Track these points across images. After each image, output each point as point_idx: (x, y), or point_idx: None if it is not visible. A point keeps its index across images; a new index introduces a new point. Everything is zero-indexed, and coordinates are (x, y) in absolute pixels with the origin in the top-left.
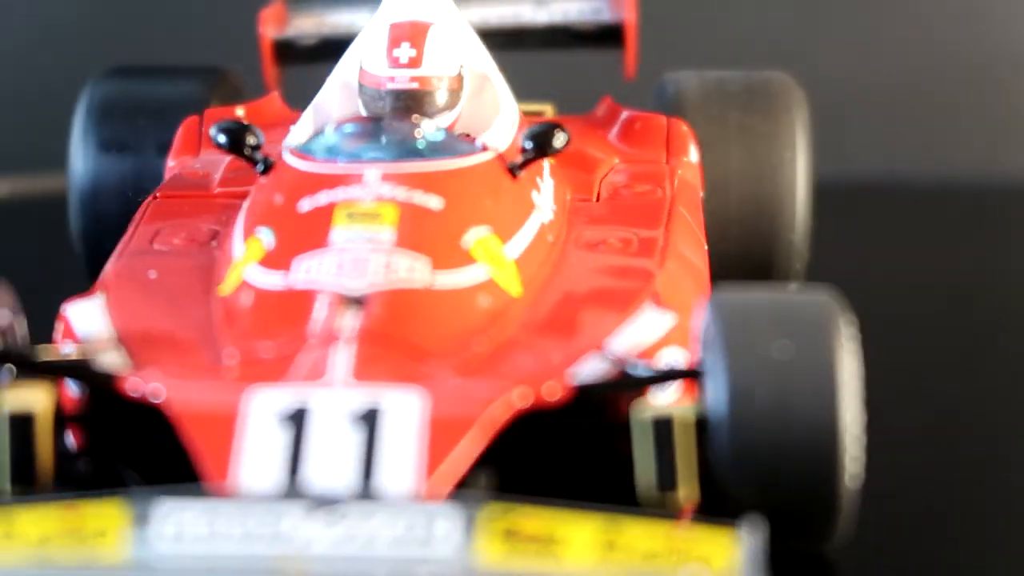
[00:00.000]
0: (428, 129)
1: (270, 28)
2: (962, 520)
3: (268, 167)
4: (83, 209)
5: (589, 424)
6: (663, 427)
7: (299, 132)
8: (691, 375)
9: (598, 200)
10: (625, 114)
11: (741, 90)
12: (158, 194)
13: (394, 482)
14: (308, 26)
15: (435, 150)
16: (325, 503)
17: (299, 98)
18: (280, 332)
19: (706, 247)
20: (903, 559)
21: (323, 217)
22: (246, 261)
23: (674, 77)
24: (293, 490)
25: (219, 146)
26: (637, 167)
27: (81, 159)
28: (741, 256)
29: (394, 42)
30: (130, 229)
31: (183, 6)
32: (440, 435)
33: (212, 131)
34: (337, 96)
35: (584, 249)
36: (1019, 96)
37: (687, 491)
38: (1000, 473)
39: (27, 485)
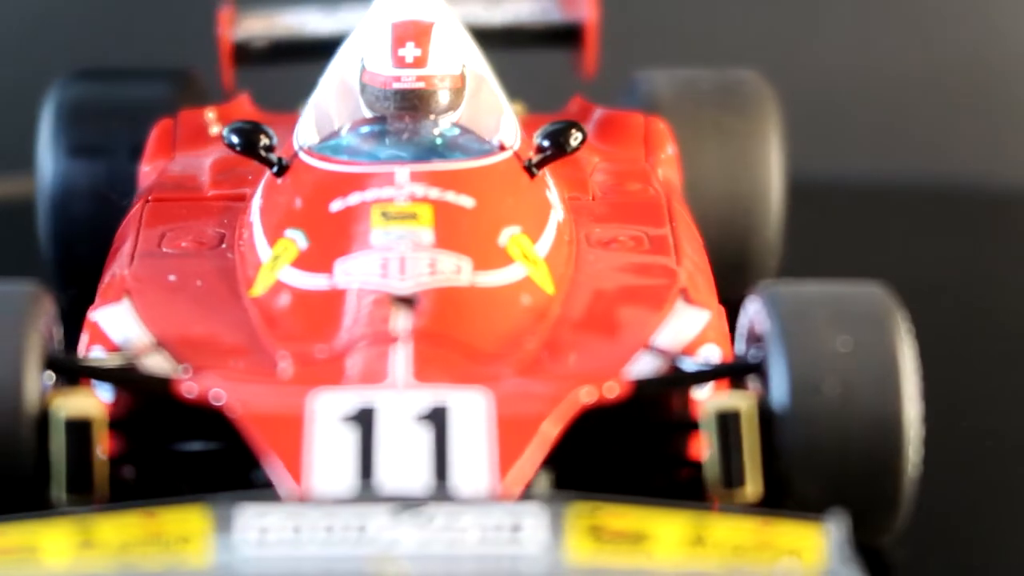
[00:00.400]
0: (447, 128)
1: (227, 30)
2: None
3: (283, 168)
4: (53, 213)
5: (645, 422)
6: (729, 422)
7: (305, 133)
8: (750, 369)
9: (593, 199)
10: (599, 112)
11: (714, 88)
12: (150, 197)
13: (468, 482)
14: (259, 28)
15: (457, 149)
16: (410, 504)
17: (264, 99)
18: (328, 333)
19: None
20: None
21: (359, 217)
22: (278, 263)
23: (645, 76)
24: (368, 492)
25: (231, 146)
26: (619, 165)
27: (50, 162)
28: (716, 253)
29: (399, 41)
30: (129, 232)
31: (134, 7)
32: (510, 435)
33: (225, 132)
34: (337, 96)
35: (598, 247)
36: (1002, 94)
37: (753, 486)
38: (980, 473)
39: (83, 493)
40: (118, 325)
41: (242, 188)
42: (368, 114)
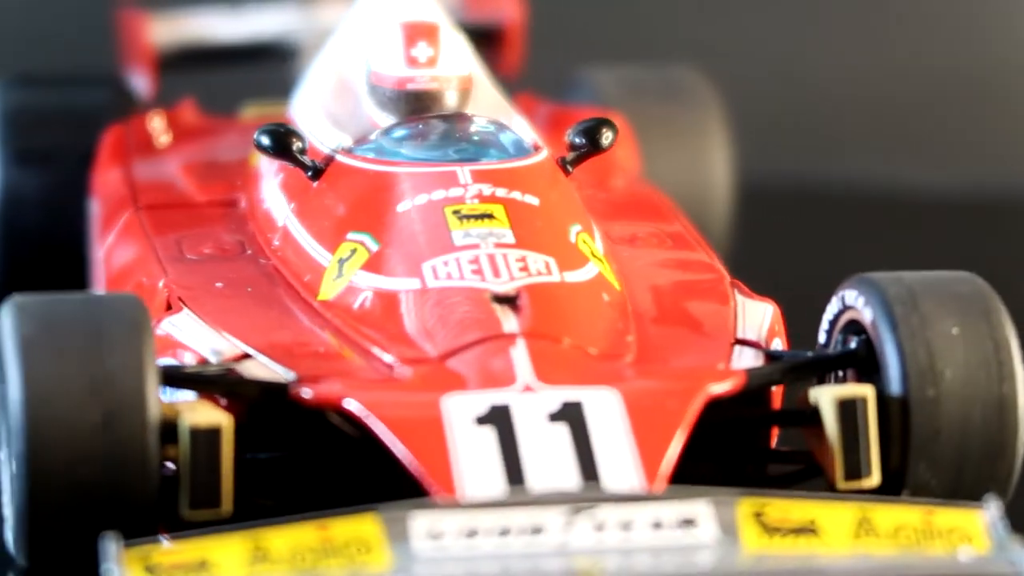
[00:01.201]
0: (485, 126)
1: (143, 34)
2: None
3: (319, 171)
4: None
5: (756, 414)
6: (855, 410)
7: (324, 136)
8: (857, 358)
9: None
10: (546, 108)
11: (658, 86)
12: (140, 204)
13: (618, 480)
14: (168, 32)
15: (500, 148)
16: (582, 503)
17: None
18: (429, 335)
19: None
20: None
21: (431, 218)
22: (347, 267)
23: (587, 73)
24: (523, 494)
25: (263, 149)
26: (590, 162)
27: None
28: None
29: (410, 41)
30: (132, 240)
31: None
32: (649, 431)
33: (256, 135)
34: (336, 97)
35: (624, 244)
36: (941, 99)
37: (877, 474)
38: None
39: (210, 506)
40: (190, 334)
41: (232, 194)
42: (378, 116)
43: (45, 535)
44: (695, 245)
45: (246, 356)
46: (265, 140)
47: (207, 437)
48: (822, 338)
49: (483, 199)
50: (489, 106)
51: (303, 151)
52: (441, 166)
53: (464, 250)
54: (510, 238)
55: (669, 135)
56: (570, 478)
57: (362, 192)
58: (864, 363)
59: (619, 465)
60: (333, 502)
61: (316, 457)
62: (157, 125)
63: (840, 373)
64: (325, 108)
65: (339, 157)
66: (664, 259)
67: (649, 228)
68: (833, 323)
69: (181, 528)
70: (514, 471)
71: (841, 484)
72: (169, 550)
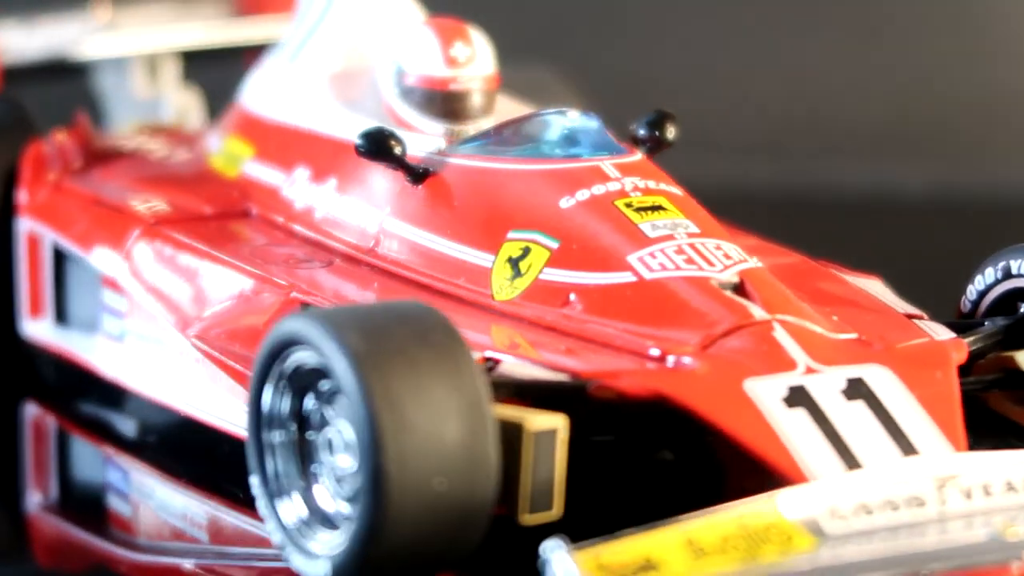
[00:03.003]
0: (586, 123)
1: None
2: None
3: (420, 175)
4: None
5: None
6: None
7: (422, 141)
8: None
9: None
10: None
11: (523, 86)
12: (152, 221)
13: (933, 450)
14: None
15: (610, 144)
16: (938, 467)
17: None
18: (673, 326)
19: None
20: None
21: (602, 212)
22: (526, 265)
23: None
24: (860, 469)
25: (364, 154)
26: None
27: None
28: None
29: (447, 42)
30: (193, 253)
31: None
32: (933, 403)
33: (358, 139)
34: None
35: None
36: (853, 105)
37: None
38: None
39: (544, 509)
40: None
41: (229, 204)
42: (412, 116)
43: (397, 548)
44: (725, 234)
45: (491, 360)
46: (366, 144)
47: (548, 440)
48: (965, 308)
49: (645, 192)
50: (504, 107)
51: (404, 153)
52: (581, 161)
53: (662, 241)
54: (694, 228)
55: None
56: (892, 452)
57: (509, 192)
58: None
59: (927, 437)
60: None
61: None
62: (68, 142)
63: None
64: (336, 102)
65: (457, 160)
66: (751, 245)
67: None
68: (984, 293)
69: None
70: (842, 450)
71: None
72: (614, 551)
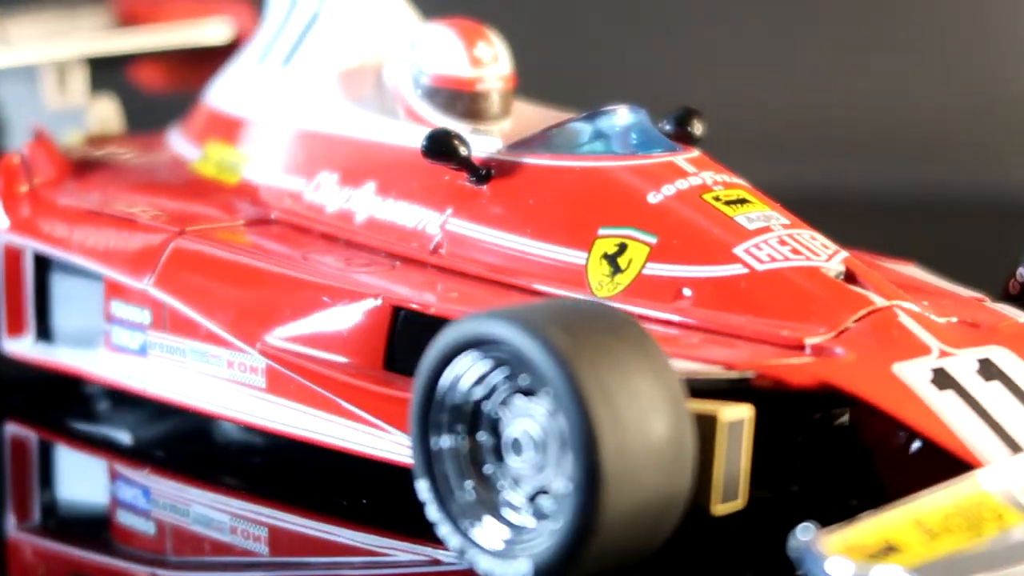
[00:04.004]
0: (639, 119)
1: None
2: None
3: (488, 175)
4: None
5: None
6: None
7: (481, 142)
8: None
9: None
10: None
11: None
12: (185, 231)
13: None
14: None
15: (666, 140)
16: None
17: None
18: (799, 315)
19: None
20: None
21: (700, 206)
22: (628, 261)
23: None
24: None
25: (430, 155)
26: None
27: None
28: None
29: (470, 42)
30: (252, 257)
31: None
32: None
33: (423, 140)
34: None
35: None
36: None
37: None
38: None
39: (735, 498)
40: None
41: (258, 212)
42: (435, 116)
43: (606, 544)
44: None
45: None
46: (433, 146)
47: (738, 430)
48: (1015, 289)
49: (726, 185)
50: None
51: (470, 154)
52: (654, 157)
53: (762, 233)
54: (784, 219)
55: None
56: None
57: (593, 189)
58: None
59: None
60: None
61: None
62: (38, 156)
63: None
64: (353, 105)
65: (525, 159)
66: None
67: None
68: None
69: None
70: (996, 429)
71: None
72: (856, 536)
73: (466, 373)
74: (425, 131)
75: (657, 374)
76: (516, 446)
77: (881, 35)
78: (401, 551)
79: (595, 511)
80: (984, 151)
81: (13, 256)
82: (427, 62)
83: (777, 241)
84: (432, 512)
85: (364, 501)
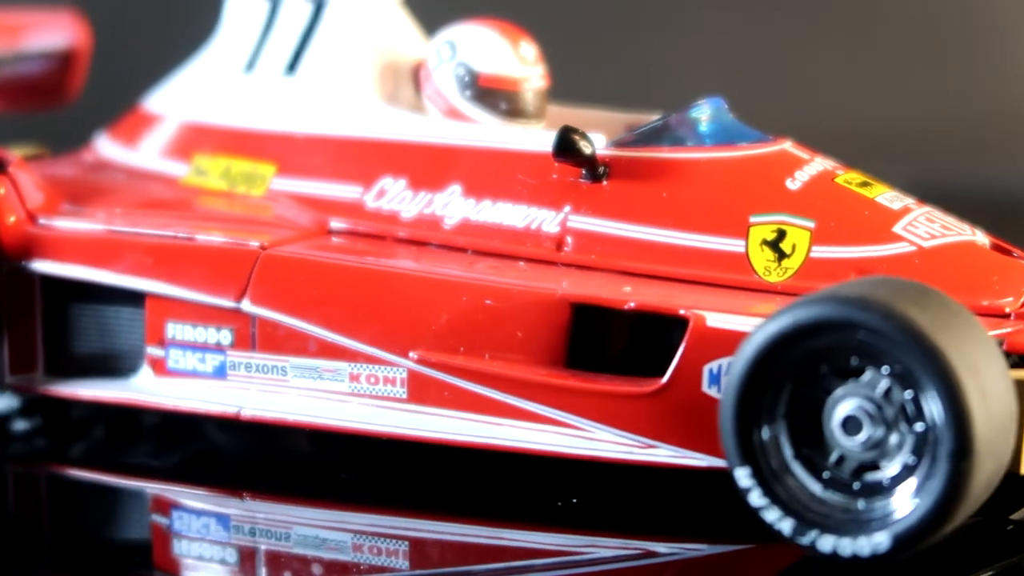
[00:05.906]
0: (723, 110)
1: None
2: None
3: (605, 171)
4: None
5: None
6: None
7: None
8: None
9: None
10: None
11: None
12: (266, 248)
13: None
14: None
15: (743, 127)
16: None
17: None
18: (967, 289)
19: None
20: None
21: (838, 189)
22: (791, 246)
23: None
24: None
25: (562, 154)
26: None
27: None
28: None
29: (515, 42)
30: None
31: None
32: None
33: (555, 139)
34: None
35: None
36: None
37: None
38: None
39: None
40: None
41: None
42: (481, 118)
43: (962, 513)
44: None
45: None
46: (563, 144)
47: None
48: None
49: (846, 168)
50: None
51: (595, 152)
52: (769, 145)
53: (908, 212)
54: (908, 198)
55: None
56: None
57: (731, 179)
58: None
59: None
60: None
61: None
62: (24, 179)
63: None
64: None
65: (646, 154)
66: None
67: None
68: None
69: None
70: None
71: None
72: None
73: (803, 355)
74: (514, 132)
75: (989, 345)
76: (848, 425)
77: (885, 36)
78: (601, 547)
79: (968, 481)
80: (984, 151)
81: (19, 283)
82: (476, 63)
83: (925, 218)
84: (754, 498)
85: (560, 503)
